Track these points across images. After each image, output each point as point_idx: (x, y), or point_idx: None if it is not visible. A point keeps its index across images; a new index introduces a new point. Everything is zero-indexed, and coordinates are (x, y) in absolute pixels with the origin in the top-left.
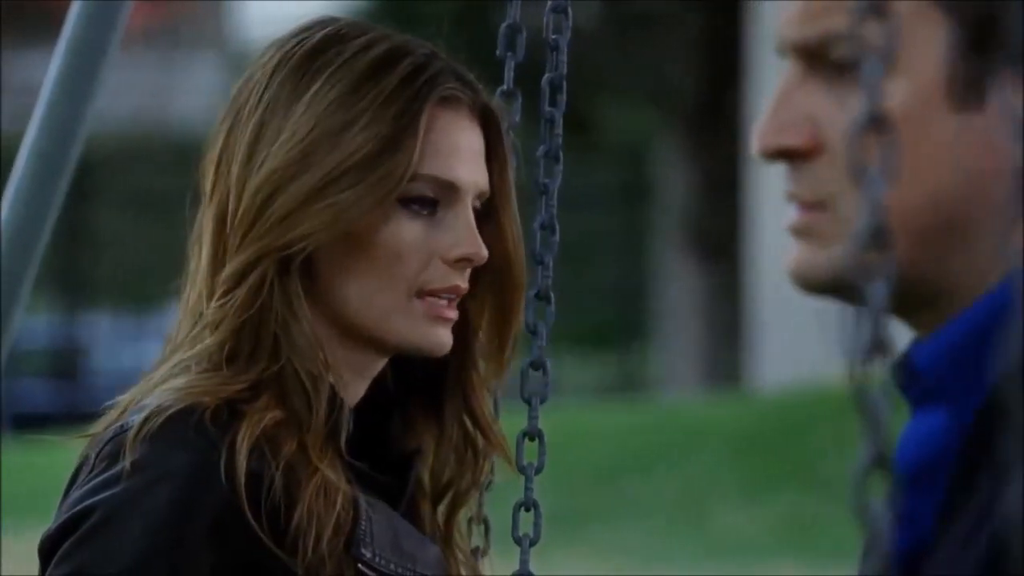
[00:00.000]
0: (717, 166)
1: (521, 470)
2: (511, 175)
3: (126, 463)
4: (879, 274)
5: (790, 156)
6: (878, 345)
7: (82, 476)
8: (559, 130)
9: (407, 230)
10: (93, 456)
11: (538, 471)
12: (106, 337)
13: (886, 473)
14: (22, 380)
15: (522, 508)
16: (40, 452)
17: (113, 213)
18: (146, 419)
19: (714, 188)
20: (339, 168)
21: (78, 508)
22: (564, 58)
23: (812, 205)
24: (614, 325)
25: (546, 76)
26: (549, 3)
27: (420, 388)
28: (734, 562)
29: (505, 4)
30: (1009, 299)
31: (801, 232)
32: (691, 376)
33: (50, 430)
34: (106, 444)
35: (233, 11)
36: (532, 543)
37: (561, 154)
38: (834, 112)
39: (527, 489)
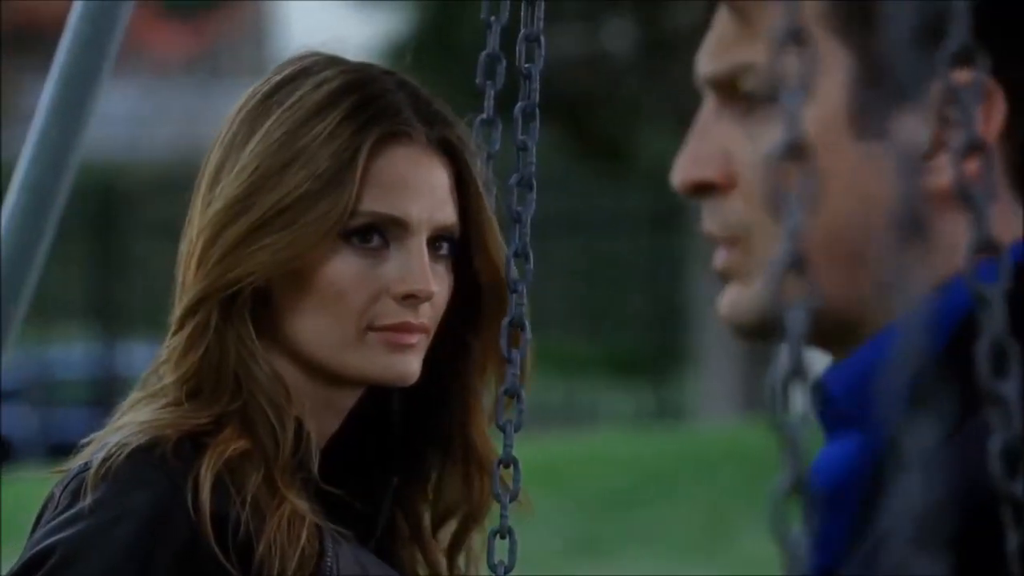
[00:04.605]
0: None
1: (496, 498)
2: (487, 205)
3: (87, 502)
4: (798, 302)
5: (706, 190)
6: (796, 372)
7: (46, 515)
8: (532, 158)
9: (350, 266)
10: (57, 494)
11: (512, 498)
12: (143, 366)
13: (804, 498)
14: (60, 410)
15: (497, 535)
16: None
17: (150, 241)
18: (108, 456)
19: None
20: (276, 207)
21: (39, 547)
22: (537, 87)
23: (725, 241)
24: (650, 352)
25: (519, 105)
26: (522, 32)
27: (422, 415)
28: None
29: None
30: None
31: (724, 274)
32: (728, 403)
33: None
34: (70, 482)
35: (273, 38)
36: (507, 570)
37: (534, 182)
38: (745, 146)
39: (502, 517)
